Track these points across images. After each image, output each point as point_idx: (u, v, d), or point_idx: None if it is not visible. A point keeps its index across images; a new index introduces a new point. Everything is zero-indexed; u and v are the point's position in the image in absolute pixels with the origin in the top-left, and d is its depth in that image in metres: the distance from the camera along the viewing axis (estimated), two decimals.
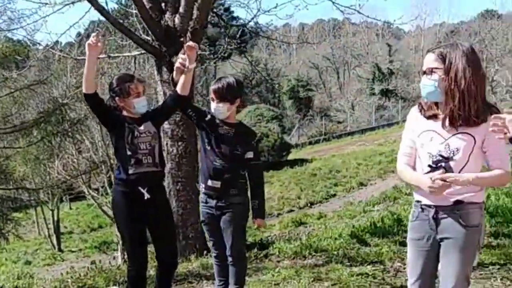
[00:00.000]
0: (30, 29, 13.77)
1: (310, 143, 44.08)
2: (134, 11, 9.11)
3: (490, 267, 5.86)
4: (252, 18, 11.36)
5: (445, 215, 3.11)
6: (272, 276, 5.95)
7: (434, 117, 3.12)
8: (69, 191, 26.80)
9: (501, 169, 3.05)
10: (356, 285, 5.46)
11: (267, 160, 31.31)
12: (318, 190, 26.95)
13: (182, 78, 4.30)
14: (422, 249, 3.21)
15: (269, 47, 62.14)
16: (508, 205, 9.24)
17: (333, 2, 10.47)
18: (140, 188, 4.25)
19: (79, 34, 22.97)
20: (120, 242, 16.79)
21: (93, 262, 8.98)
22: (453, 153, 3.05)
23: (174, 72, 4.38)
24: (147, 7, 7.83)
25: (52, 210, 26.08)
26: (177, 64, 4.31)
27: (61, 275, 8.25)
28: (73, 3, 9.36)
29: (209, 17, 9.70)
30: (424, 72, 3.11)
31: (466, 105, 2.97)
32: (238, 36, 12.70)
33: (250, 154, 4.40)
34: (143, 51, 9.11)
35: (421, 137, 3.16)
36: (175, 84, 4.39)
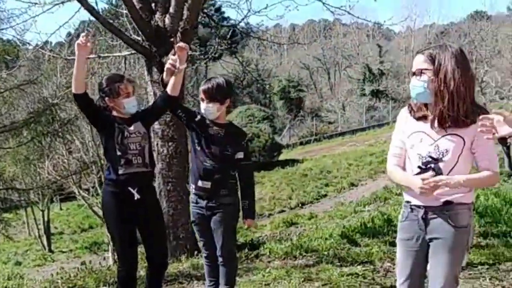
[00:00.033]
0: (19, 28, 13.75)
1: (301, 143, 44.10)
2: (124, 11, 9.09)
3: (479, 267, 5.90)
4: (243, 19, 11.39)
5: (434, 216, 3.12)
6: (263, 277, 5.96)
7: (423, 118, 3.14)
8: (60, 191, 26.70)
9: (489, 170, 3.07)
10: (346, 285, 5.47)
11: (258, 160, 31.30)
12: (309, 190, 26.95)
13: (172, 79, 4.30)
14: (411, 249, 3.22)
15: (260, 48, 62.19)
16: (497, 205, 9.32)
17: (323, 3, 10.52)
18: (130, 188, 4.24)
19: (69, 34, 22.89)
20: (111, 243, 16.72)
21: (83, 263, 8.94)
22: (443, 154, 3.07)
23: (164, 73, 4.37)
24: (137, 7, 7.81)
25: (43, 211, 25.96)
26: (167, 65, 4.30)
27: (51, 276, 8.23)
28: (62, 3, 9.32)
29: (200, 17, 9.70)
30: (414, 73, 3.12)
31: (455, 106, 2.98)
32: (228, 36, 12.70)
33: (240, 155, 4.40)
34: (133, 51, 9.09)
35: (411, 138, 3.18)
36: (164, 85, 4.39)
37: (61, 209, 32.05)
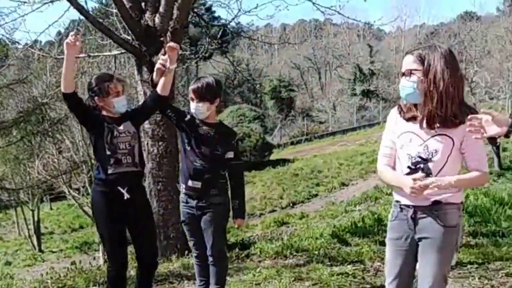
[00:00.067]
0: (9, 27, 13.63)
1: (292, 143, 44.16)
2: (114, 10, 9.06)
3: (469, 266, 5.93)
4: (233, 18, 11.40)
5: (423, 215, 3.13)
6: (253, 276, 5.96)
7: (413, 119, 3.14)
8: (50, 191, 26.54)
9: (479, 170, 3.08)
10: (337, 285, 5.48)
11: (249, 160, 31.31)
12: (300, 190, 26.99)
13: (162, 79, 4.29)
14: (400, 249, 3.23)
15: (251, 47, 62.17)
16: (487, 205, 9.39)
17: (314, 3, 10.52)
18: (119, 188, 4.23)
19: (59, 33, 22.83)
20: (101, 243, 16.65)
21: (73, 263, 8.91)
22: (432, 155, 3.07)
23: (154, 73, 4.35)
24: (127, 6, 7.79)
25: (33, 211, 25.81)
26: (157, 65, 4.29)
27: (41, 276, 8.18)
28: (52, 1, 9.28)
29: (190, 17, 9.69)
30: (403, 74, 3.13)
31: (444, 107, 2.99)
32: (219, 36, 12.69)
33: (230, 154, 4.40)
34: (123, 51, 9.06)
35: (401, 139, 3.18)
36: (154, 85, 4.38)
37: (51, 208, 31.91)
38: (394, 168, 3.25)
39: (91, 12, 9.48)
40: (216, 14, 41.80)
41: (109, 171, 4.20)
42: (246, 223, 19.52)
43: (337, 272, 5.88)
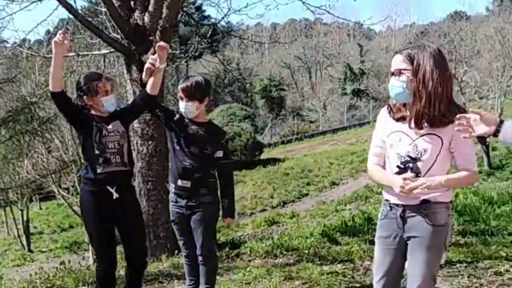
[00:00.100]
0: None
1: (282, 142, 44.16)
2: (103, 9, 9.01)
3: (458, 265, 5.95)
4: (223, 17, 11.40)
5: (412, 214, 3.13)
6: (243, 275, 5.96)
7: (402, 119, 3.14)
8: (39, 190, 26.42)
9: (468, 169, 3.09)
10: (326, 284, 5.49)
11: (240, 159, 31.30)
12: (291, 189, 27.01)
13: (152, 78, 4.28)
14: (389, 247, 3.24)
15: (241, 46, 62.14)
16: (476, 204, 9.42)
17: (303, 2, 10.53)
18: (108, 187, 4.21)
19: (48, 31, 22.67)
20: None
21: (62, 263, 8.85)
22: (421, 154, 3.08)
23: (144, 73, 4.34)
24: (116, 5, 7.76)
25: (22, 210, 25.66)
26: (147, 65, 4.27)
27: (30, 276, 8.13)
28: (40, 0, 9.23)
29: (179, 16, 9.66)
30: (392, 73, 3.13)
31: (432, 106, 3.00)
32: (209, 35, 12.68)
33: (219, 153, 4.39)
34: (112, 50, 9.03)
35: (390, 138, 3.19)
36: (143, 85, 4.36)
37: (40, 208, 31.75)
38: (384, 167, 3.25)
39: (80, 11, 9.45)
40: (206, 13, 41.78)
41: (98, 171, 4.19)
42: (237, 223, 19.51)
43: (327, 271, 5.89)
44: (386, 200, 3.26)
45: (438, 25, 49.57)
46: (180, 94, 4.34)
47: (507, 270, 5.69)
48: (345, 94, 49.79)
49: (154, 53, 4.28)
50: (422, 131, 3.07)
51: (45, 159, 21.25)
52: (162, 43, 4.26)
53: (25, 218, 25.91)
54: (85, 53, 12.10)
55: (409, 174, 3.06)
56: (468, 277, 5.55)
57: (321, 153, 33.98)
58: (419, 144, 3.08)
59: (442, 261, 5.69)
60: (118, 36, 8.11)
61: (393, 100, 3.18)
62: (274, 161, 33.49)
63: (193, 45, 12.55)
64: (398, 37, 57.40)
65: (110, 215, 4.27)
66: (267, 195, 26.82)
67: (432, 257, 3.12)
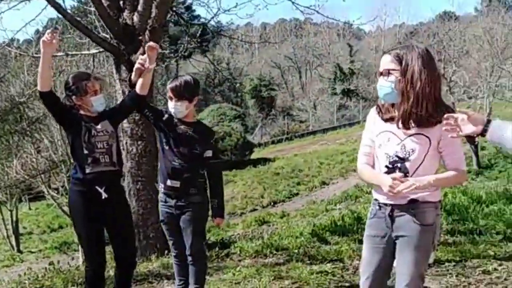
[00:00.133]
0: None
1: (273, 142, 44.25)
2: (92, 9, 8.99)
3: (446, 264, 5.98)
4: (212, 17, 11.43)
5: (401, 214, 3.14)
6: (233, 275, 5.96)
7: (391, 119, 3.16)
8: (28, 191, 26.27)
9: (457, 169, 3.11)
10: (316, 283, 5.50)
11: (230, 159, 31.33)
12: (281, 189, 27.07)
13: (141, 78, 4.27)
14: (377, 246, 3.25)
15: (231, 46, 62.14)
16: (464, 203, 9.47)
17: (293, 2, 10.55)
18: (97, 187, 4.20)
19: (37, 31, 22.56)
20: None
21: (51, 263, 8.83)
22: (409, 154, 3.09)
23: (133, 73, 4.33)
24: (105, 5, 7.73)
25: (11, 211, 25.52)
26: (136, 65, 4.26)
27: (19, 277, 8.10)
28: None
29: (169, 15, 9.65)
30: (381, 74, 3.14)
31: (420, 106, 3.01)
32: (198, 35, 12.67)
33: (209, 153, 4.38)
34: (101, 49, 9.00)
35: (379, 138, 3.20)
36: (132, 85, 4.35)
37: (30, 208, 31.61)
38: (374, 166, 3.26)
39: (69, 11, 9.40)
40: (196, 13, 41.74)
41: (87, 171, 4.17)
42: (227, 222, 19.53)
43: (317, 270, 5.89)
44: (375, 199, 3.28)
45: (427, 25, 49.78)
46: (169, 94, 4.33)
47: (495, 269, 5.72)
48: (335, 94, 49.95)
49: (143, 53, 4.28)
50: (410, 131, 3.08)
51: (34, 159, 21.16)
52: (151, 43, 4.25)
53: (14, 219, 25.77)
54: (74, 52, 12.06)
55: (397, 174, 3.07)
56: (456, 276, 5.58)
57: (311, 153, 34.09)
58: (407, 144, 3.10)
59: (431, 260, 5.72)
60: (107, 36, 8.09)
61: (382, 100, 3.19)
62: (264, 161, 33.56)
63: (183, 45, 12.54)
64: (387, 37, 57.59)
65: (99, 215, 4.25)
66: (257, 194, 26.86)
67: (420, 257, 3.13)
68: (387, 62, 3.11)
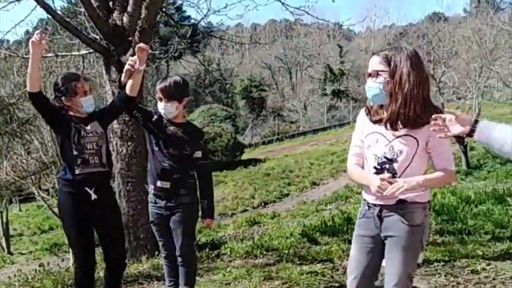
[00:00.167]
0: None
1: (263, 143, 44.25)
2: (82, 10, 8.96)
3: (435, 263, 6.01)
4: (202, 18, 11.43)
5: (389, 214, 3.16)
6: (223, 276, 5.96)
7: (379, 121, 3.17)
8: (19, 192, 26.13)
9: (446, 169, 3.13)
10: (306, 284, 5.51)
11: (221, 160, 31.33)
12: (272, 189, 27.06)
13: (131, 80, 4.27)
14: (366, 246, 3.26)
15: (222, 47, 62.14)
16: (453, 203, 9.52)
17: (283, 3, 10.55)
18: (87, 188, 4.19)
19: (27, 32, 22.49)
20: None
21: (41, 265, 8.78)
22: (397, 155, 3.11)
23: (123, 74, 4.33)
24: (95, 5, 7.71)
25: (1, 212, 25.38)
26: (126, 67, 4.26)
27: (8, 278, 8.06)
28: (18, 0, 9.16)
29: (159, 16, 9.64)
30: (369, 75, 3.15)
31: (408, 107, 3.02)
32: (188, 35, 12.65)
33: (198, 154, 4.39)
34: (91, 50, 8.97)
35: (368, 139, 3.22)
36: (122, 86, 4.34)
37: (20, 210, 31.46)
38: (363, 167, 3.28)
39: (59, 11, 9.39)
40: (186, 14, 41.68)
41: (76, 172, 4.17)
42: (218, 223, 19.51)
43: (307, 271, 5.91)
44: (365, 199, 3.30)
45: (417, 26, 49.89)
46: (159, 95, 4.33)
47: (483, 269, 5.76)
48: (325, 94, 50.03)
49: (133, 54, 4.27)
50: (398, 133, 3.10)
51: (24, 161, 21.06)
52: (141, 45, 4.25)
53: (4, 220, 25.64)
54: (64, 53, 12.00)
55: (386, 174, 3.09)
56: (445, 275, 5.61)
57: (301, 154, 34.12)
58: (395, 145, 3.11)
59: (420, 261, 5.75)
60: (97, 37, 8.07)
61: (370, 101, 3.21)
62: (255, 161, 33.56)
63: (173, 46, 12.52)
64: (377, 38, 57.74)
65: (89, 217, 4.24)
66: (248, 195, 26.84)
67: (408, 257, 3.15)
68: (375, 63, 3.13)
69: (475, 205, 9.53)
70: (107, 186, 4.48)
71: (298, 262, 6.41)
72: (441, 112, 2.95)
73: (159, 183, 4.35)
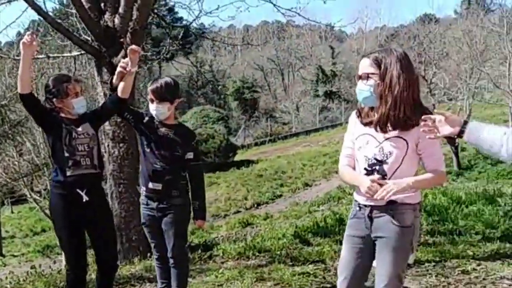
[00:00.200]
0: None
1: (256, 144, 44.32)
2: (74, 11, 8.95)
3: (426, 264, 6.03)
4: (194, 20, 11.41)
5: (379, 215, 3.17)
6: (216, 277, 5.96)
7: (370, 123, 3.18)
8: (11, 194, 26.11)
9: (436, 170, 3.13)
10: (298, 285, 5.52)
11: (214, 161, 31.34)
12: (265, 191, 27.12)
13: (123, 82, 4.27)
14: (356, 246, 3.27)
15: (214, 48, 62.13)
16: (444, 204, 9.55)
17: (274, 5, 10.58)
18: (78, 190, 4.18)
19: (19, 33, 22.44)
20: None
21: (33, 267, 8.75)
22: (387, 157, 3.12)
23: (115, 76, 4.32)
24: (86, 7, 7.70)
25: None
26: (119, 69, 4.25)
27: (0, 281, 8.03)
28: (9, 1, 9.16)
29: (151, 18, 9.63)
30: (360, 77, 3.17)
31: (397, 110, 3.04)
32: (180, 37, 12.65)
33: (190, 155, 4.39)
34: (83, 52, 8.96)
35: (358, 140, 3.23)
36: (113, 88, 4.34)
37: (12, 212, 31.37)
38: (355, 168, 3.29)
39: (51, 13, 9.36)
40: (178, 15, 41.67)
41: (68, 173, 4.16)
42: (211, 224, 19.52)
43: (299, 272, 5.91)
44: (356, 200, 3.31)
45: (408, 28, 50.03)
46: (150, 96, 4.32)
47: (473, 269, 5.79)
48: (317, 96, 50.12)
49: (125, 56, 4.27)
50: (388, 134, 3.11)
51: (16, 162, 21.01)
52: (133, 47, 4.23)
53: None
54: (55, 55, 11.97)
55: (376, 176, 3.11)
56: (436, 276, 5.64)
57: (294, 155, 34.18)
58: (385, 146, 3.12)
59: (411, 261, 5.78)
60: (89, 38, 8.06)
61: (362, 104, 3.23)
62: (247, 162, 33.59)
63: (165, 47, 12.52)
64: (369, 39, 57.88)
65: (80, 218, 4.24)
66: (241, 196, 26.88)
67: (398, 258, 3.16)
68: (366, 66, 3.14)
69: (466, 205, 9.56)
70: (98, 187, 4.47)
71: (290, 263, 6.41)
72: (431, 113, 2.96)
73: (151, 185, 4.35)
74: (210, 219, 21.27)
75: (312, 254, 6.78)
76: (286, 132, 47.25)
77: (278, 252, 7.06)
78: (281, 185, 27.95)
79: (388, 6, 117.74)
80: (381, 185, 3.03)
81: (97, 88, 8.24)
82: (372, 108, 3.19)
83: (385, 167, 3.12)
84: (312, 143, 38.46)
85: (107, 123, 7.35)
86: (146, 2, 7.87)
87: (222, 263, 6.88)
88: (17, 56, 11.72)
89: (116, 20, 7.80)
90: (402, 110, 3.04)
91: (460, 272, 5.74)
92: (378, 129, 3.12)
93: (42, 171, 20.19)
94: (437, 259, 6.22)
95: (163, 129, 4.34)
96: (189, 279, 4.95)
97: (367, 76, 3.12)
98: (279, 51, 61.04)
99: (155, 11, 10.61)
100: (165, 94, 4.29)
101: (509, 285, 5.30)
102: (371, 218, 3.20)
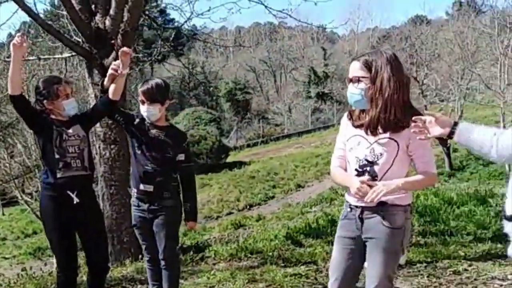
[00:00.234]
0: None
1: (248, 145, 44.26)
2: (64, 13, 8.91)
3: (418, 264, 6.06)
4: (186, 21, 11.39)
5: (370, 216, 3.18)
6: (208, 279, 5.96)
7: (361, 126, 3.19)
8: (2, 196, 25.99)
9: (427, 171, 3.14)
10: (290, 286, 5.53)
11: (206, 163, 31.29)
12: (257, 192, 27.09)
13: (114, 84, 4.25)
14: (347, 247, 3.28)
15: (206, 50, 62.06)
16: (436, 204, 9.60)
17: (266, 6, 10.57)
18: (68, 192, 4.17)
19: (10, 35, 22.32)
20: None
21: (23, 269, 8.72)
22: (377, 158, 3.13)
23: (106, 78, 4.31)
24: (77, 8, 7.66)
25: None
26: (110, 71, 4.24)
27: None
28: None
29: (142, 19, 9.61)
30: (351, 80, 3.17)
31: (388, 112, 3.05)
32: (172, 38, 12.63)
33: (181, 157, 4.38)
34: (74, 53, 8.92)
35: (350, 142, 3.24)
36: (104, 90, 4.32)
37: (3, 214, 31.19)
38: (347, 169, 3.29)
39: (42, 14, 9.32)
40: (170, 17, 41.63)
41: (58, 175, 4.15)
42: (203, 226, 19.48)
43: (291, 273, 5.93)
44: (347, 201, 3.32)
45: (400, 29, 50.21)
46: (141, 97, 4.31)
47: (465, 269, 5.82)
48: (310, 97, 50.16)
49: (116, 58, 4.26)
50: (378, 135, 3.12)
51: (7, 164, 20.89)
52: (125, 49, 4.22)
53: None
54: (46, 56, 11.92)
55: (366, 177, 3.11)
56: (427, 276, 5.66)
57: (286, 156, 34.18)
58: (376, 148, 3.13)
59: (403, 262, 5.79)
60: (80, 40, 8.03)
61: (353, 107, 3.23)
62: (240, 164, 33.56)
63: (156, 49, 12.49)
64: (361, 40, 57.91)
65: (71, 220, 4.22)
66: (233, 198, 26.84)
67: (388, 259, 3.16)
68: (356, 69, 3.15)
69: (457, 206, 9.61)
70: (89, 189, 4.46)
71: (282, 265, 6.42)
72: (421, 115, 2.97)
73: (142, 186, 4.34)
74: (203, 221, 21.24)
75: (304, 255, 6.80)
76: (279, 133, 47.23)
77: (270, 254, 7.07)
78: (274, 187, 27.94)
79: (380, 8, 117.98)
80: (370, 186, 3.03)
81: (88, 90, 8.21)
82: (363, 111, 3.19)
83: (376, 168, 3.13)
84: (304, 145, 38.47)
85: (98, 124, 7.33)
86: (137, 4, 7.85)
87: (214, 264, 6.88)
88: (8, 57, 11.66)
89: (107, 22, 7.77)
90: (393, 112, 3.04)
91: (451, 272, 5.76)
92: (369, 132, 3.12)
93: (34, 173, 20.09)
94: (429, 259, 6.25)
95: (154, 131, 4.33)
96: (181, 281, 4.95)
97: (357, 80, 3.12)
98: (271, 52, 61.02)
99: (147, 12, 10.59)
100: (156, 95, 4.28)
101: (500, 285, 5.33)
102: (362, 219, 3.20)
